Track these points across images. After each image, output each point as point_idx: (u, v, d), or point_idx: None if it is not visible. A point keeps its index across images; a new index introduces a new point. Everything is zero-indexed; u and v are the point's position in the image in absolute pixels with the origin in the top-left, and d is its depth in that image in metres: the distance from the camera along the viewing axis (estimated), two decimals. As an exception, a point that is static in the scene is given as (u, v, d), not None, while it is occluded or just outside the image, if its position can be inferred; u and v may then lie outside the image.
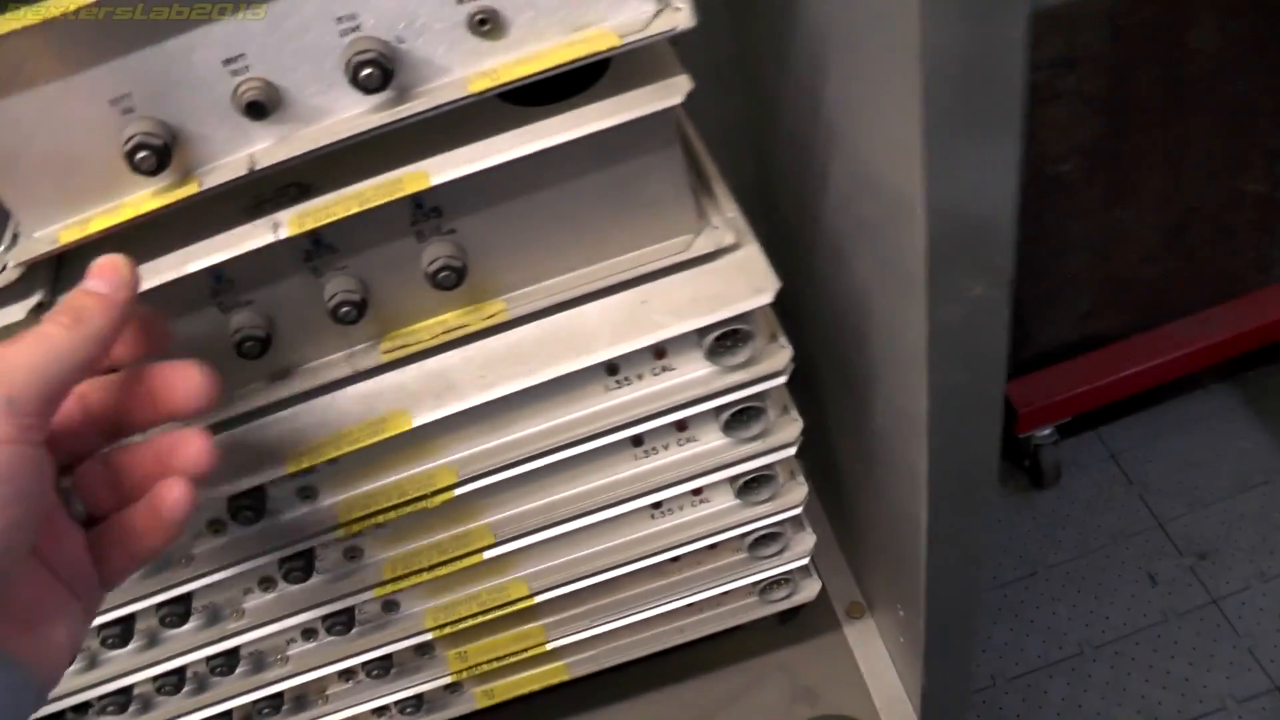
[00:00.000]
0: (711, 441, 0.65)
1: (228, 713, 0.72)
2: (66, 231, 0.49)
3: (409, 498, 0.60)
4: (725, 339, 0.58)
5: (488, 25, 0.47)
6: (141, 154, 0.45)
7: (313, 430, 0.58)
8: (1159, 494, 1.75)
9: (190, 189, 0.48)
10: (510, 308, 0.57)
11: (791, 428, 0.64)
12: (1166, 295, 1.73)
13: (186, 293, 0.52)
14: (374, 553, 0.66)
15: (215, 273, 0.53)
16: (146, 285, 0.49)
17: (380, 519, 0.61)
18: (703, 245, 0.58)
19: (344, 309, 0.54)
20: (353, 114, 0.48)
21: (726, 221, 0.58)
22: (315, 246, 0.53)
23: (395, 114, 0.48)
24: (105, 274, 0.44)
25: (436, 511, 0.62)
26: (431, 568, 0.64)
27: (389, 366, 0.58)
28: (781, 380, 0.61)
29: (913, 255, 0.47)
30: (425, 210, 0.53)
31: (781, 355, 0.60)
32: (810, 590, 0.77)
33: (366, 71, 0.45)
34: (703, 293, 0.57)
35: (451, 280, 0.54)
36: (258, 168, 0.48)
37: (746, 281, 0.57)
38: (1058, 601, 1.66)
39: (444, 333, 0.57)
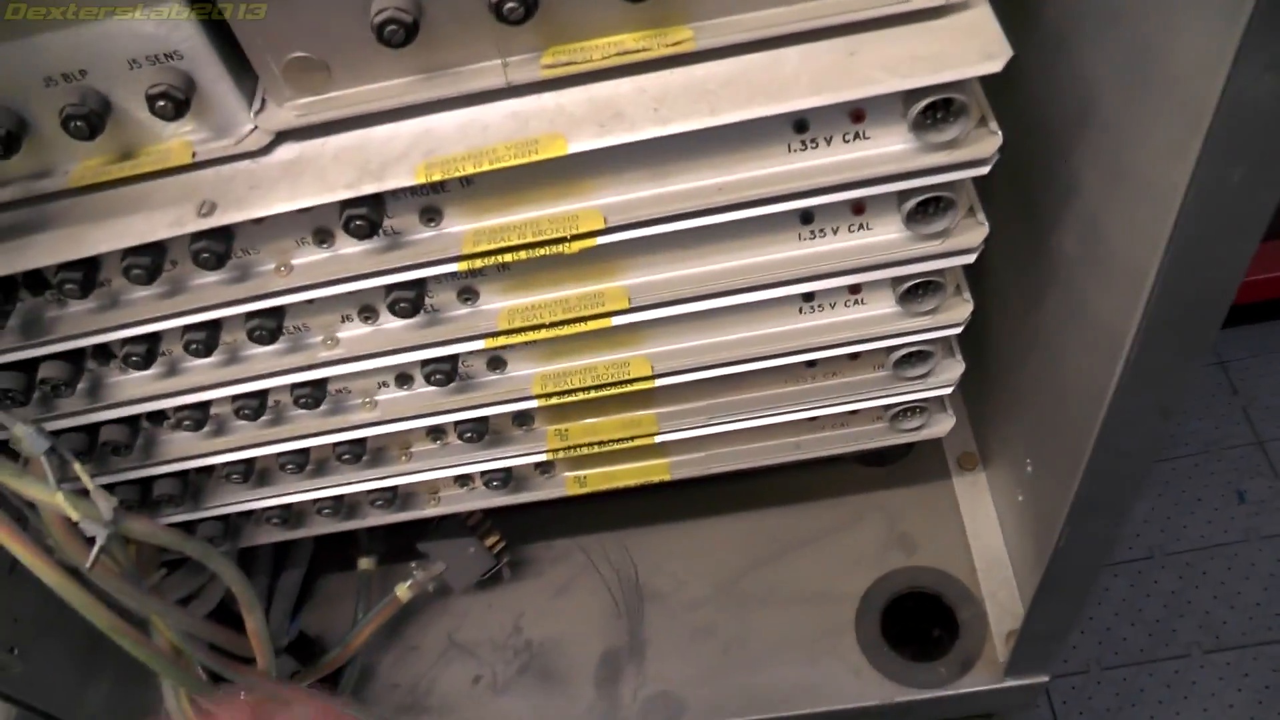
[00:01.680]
0: (889, 233, 0.57)
1: (305, 451, 0.67)
2: None
3: (545, 237, 0.53)
4: (934, 109, 0.50)
5: None
6: None
7: (451, 141, 0.51)
8: (1265, 411, 1.66)
9: None
10: (699, 37, 0.49)
11: (976, 231, 0.56)
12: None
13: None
14: (491, 298, 0.59)
15: (365, -61, 0.45)
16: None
17: (509, 257, 0.54)
18: (928, -3, 0.49)
19: (509, 5, 0.46)
20: None
21: (959, -28, 0.49)
22: (485, -75, 0.45)
23: None
24: None
25: (570, 261, 0.56)
26: (552, 325, 0.58)
27: (549, 86, 0.51)
28: (984, 170, 0.52)
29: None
30: (622, -100, 0.45)
31: (990, 141, 0.52)
32: (944, 425, 0.70)
33: None
34: (922, 51, 0.49)
35: (638, -11, 0.46)
36: None
37: (974, 45, 0.49)
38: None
39: (619, 54, 0.49)
